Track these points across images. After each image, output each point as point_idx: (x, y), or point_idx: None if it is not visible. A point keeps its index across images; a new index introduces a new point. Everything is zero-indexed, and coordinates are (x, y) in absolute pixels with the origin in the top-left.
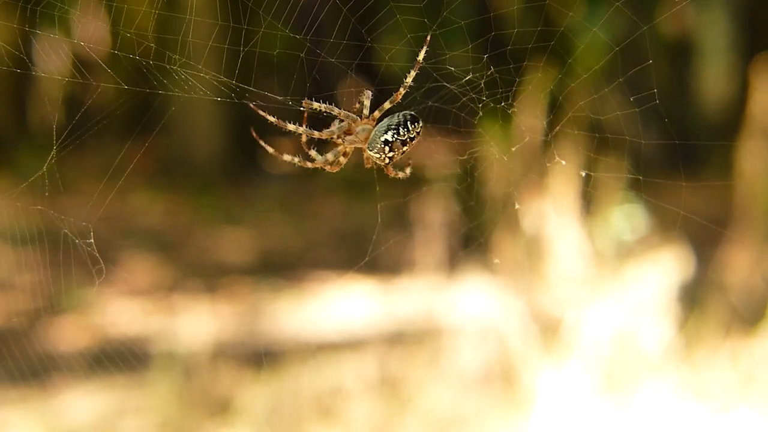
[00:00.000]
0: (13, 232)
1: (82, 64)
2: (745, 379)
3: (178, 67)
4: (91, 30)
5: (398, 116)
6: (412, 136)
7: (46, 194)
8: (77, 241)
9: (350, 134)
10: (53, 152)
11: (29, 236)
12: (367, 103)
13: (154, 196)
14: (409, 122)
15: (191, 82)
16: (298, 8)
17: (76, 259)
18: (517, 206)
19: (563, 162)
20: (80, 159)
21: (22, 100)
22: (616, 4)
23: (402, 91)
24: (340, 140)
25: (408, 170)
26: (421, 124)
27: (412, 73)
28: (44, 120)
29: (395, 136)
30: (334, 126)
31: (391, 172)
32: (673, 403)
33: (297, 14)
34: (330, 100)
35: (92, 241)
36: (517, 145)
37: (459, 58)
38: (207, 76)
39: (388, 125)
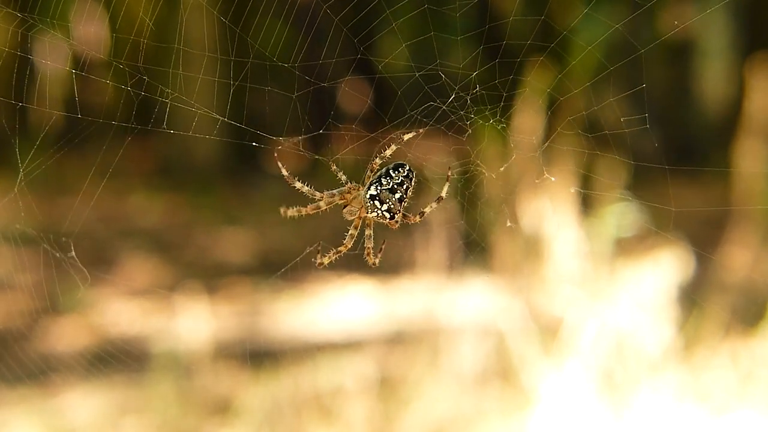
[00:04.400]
0: (13, 232)
1: (81, 67)
2: (744, 380)
3: (170, 101)
4: (88, 51)
5: (380, 170)
6: (398, 181)
7: (22, 214)
8: (58, 255)
9: (346, 206)
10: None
11: (28, 237)
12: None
13: (154, 196)
14: (391, 170)
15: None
16: (294, 11)
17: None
18: (509, 224)
19: (553, 179)
20: (81, 159)
21: (22, 100)
22: (616, 26)
23: (378, 162)
24: (346, 214)
25: (418, 218)
26: (406, 168)
27: (393, 147)
28: (44, 120)
29: (378, 188)
30: (330, 197)
31: (412, 219)
32: (672, 404)
33: (292, 23)
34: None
35: (73, 254)
36: (505, 165)
37: (452, 72)
38: (198, 111)
39: (371, 182)
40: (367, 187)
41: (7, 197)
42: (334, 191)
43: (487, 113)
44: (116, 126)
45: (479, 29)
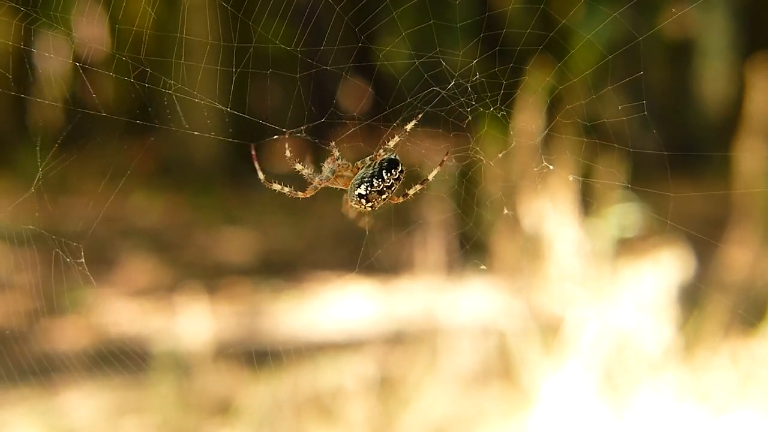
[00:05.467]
0: (11, 232)
1: (82, 67)
2: (744, 380)
3: (173, 92)
4: (89, 50)
5: (374, 166)
6: (389, 184)
7: (36, 214)
8: (69, 260)
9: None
10: (40, 165)
11: (29, 237)
12: (340, 160)
13: (154, 196)
14: (384, 171)
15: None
16: (292, 7)
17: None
18: (506, 212)
19: (550, 167)
20: (81, 159)
21: (22, 100)
22: (614, 14)
23: (382, 153)
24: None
25: (401, 198)
26: (399, 168)
27: (396, 139)
28: (44, 120)
29: (369, 188)
30: (322, 172)
31: (394, 200)
32: (672, 404)
33: (292, 14)
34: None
35: (83, 260)
36: (504, 151)
37: (453, 59)
38: (202, 102)
39: (362, 177)
40: (357, 183)
41: (22, 197)
42: (327, 172)
43: (487, 101)
44: (119, 127)
45: (480, 16)
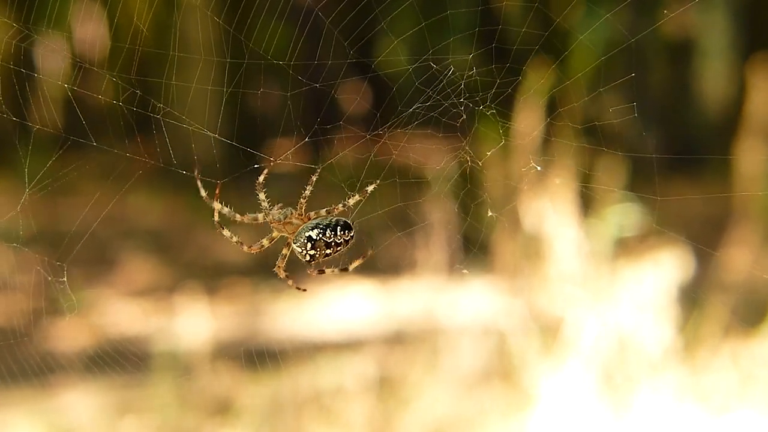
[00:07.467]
0: (13, 232)
1: (75, 79)
2: (744, 380)
3: (162, 116)
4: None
5: (331, 219)
6: (338, 241)
7: (21, 232)
8: (50, 278)
9: (280, 223)
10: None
11: (28, 237)
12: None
13: (154, 197)
14: (339, 227)
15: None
16: (288, 11)
17: (76, 260)
18: (490, 213)
19: (538, 168)
20: (80, 159)
21: (22, 101)
22: (606, 15)
23: (341, 207)
24: (272, 224)
25: (332, 271)
26: (352, 234)
27: (357, 197)
28: (44, 120)
29: (320, 235)
30: (271, 213)
31: (312, 273)
32: (672, 404)
33: (287, 18)
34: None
35: (65, 279)
36: (492, 150)
37: (446, 61)
38: (191, 127)
39: (317, 223)
40: (311, 226)
41: (8, 215)
42: (280, 215)
43: (478, 99)
44: (116, 128)
45: (477, 7)
